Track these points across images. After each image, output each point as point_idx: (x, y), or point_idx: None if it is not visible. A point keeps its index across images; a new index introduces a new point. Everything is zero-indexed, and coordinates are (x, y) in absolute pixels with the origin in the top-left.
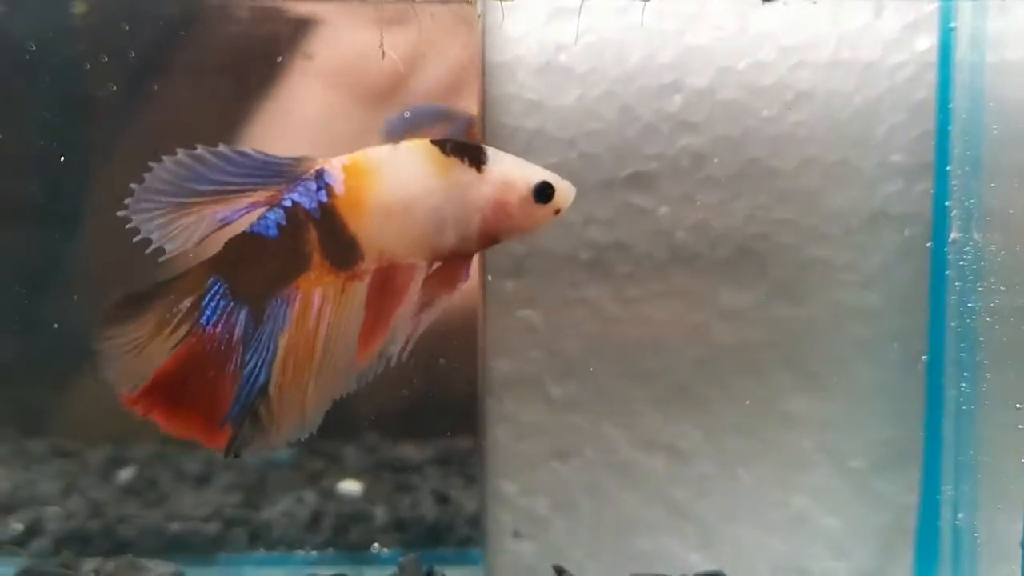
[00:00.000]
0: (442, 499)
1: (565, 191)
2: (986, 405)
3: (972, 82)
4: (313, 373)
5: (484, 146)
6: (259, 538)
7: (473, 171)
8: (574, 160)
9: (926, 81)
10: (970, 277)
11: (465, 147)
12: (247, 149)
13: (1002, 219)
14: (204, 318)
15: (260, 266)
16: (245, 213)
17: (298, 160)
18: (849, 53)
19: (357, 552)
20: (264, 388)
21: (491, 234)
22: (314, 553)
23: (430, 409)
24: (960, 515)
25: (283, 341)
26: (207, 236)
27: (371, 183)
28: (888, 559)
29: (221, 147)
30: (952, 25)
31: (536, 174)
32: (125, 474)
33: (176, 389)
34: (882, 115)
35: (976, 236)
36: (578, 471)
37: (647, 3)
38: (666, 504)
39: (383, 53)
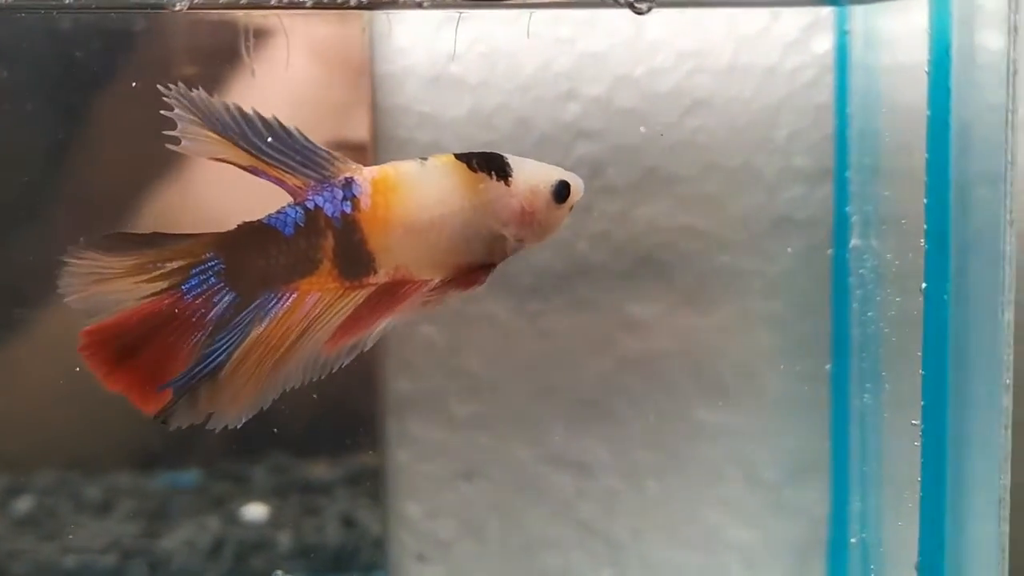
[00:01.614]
0: (348, 523)
1: (578, 185)
2: (886, 417)
3: (868, 86)
4: (272, 366)
5: (505, 155)
6: (158, 569)
7: (501, 184)
8: None
9: (826, 84)
10: (870, 285)
11: (490, 159)
12: (292, 128)
13: (897, 226)
14: (187, 285)
15: (265, 259)
16: (271, 182)
17: (333, 158)
18: (747, 57)
19: None
20: (217, 370)
21: (519, 243)
22: None
23: (333, 430)
24: (864, 530)
25: (257, 332)
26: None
27: (399, 200)
28: (801, 572)
29: (273, 117)
30: (847, 28)
31: (552, 174)
32: (23, 504)
33: (130, 340)
34: (783, 119)
35: (874, 243)
36: (484, 491)
37: (534, 12)
38: (574, 522)
39: (252, 70)
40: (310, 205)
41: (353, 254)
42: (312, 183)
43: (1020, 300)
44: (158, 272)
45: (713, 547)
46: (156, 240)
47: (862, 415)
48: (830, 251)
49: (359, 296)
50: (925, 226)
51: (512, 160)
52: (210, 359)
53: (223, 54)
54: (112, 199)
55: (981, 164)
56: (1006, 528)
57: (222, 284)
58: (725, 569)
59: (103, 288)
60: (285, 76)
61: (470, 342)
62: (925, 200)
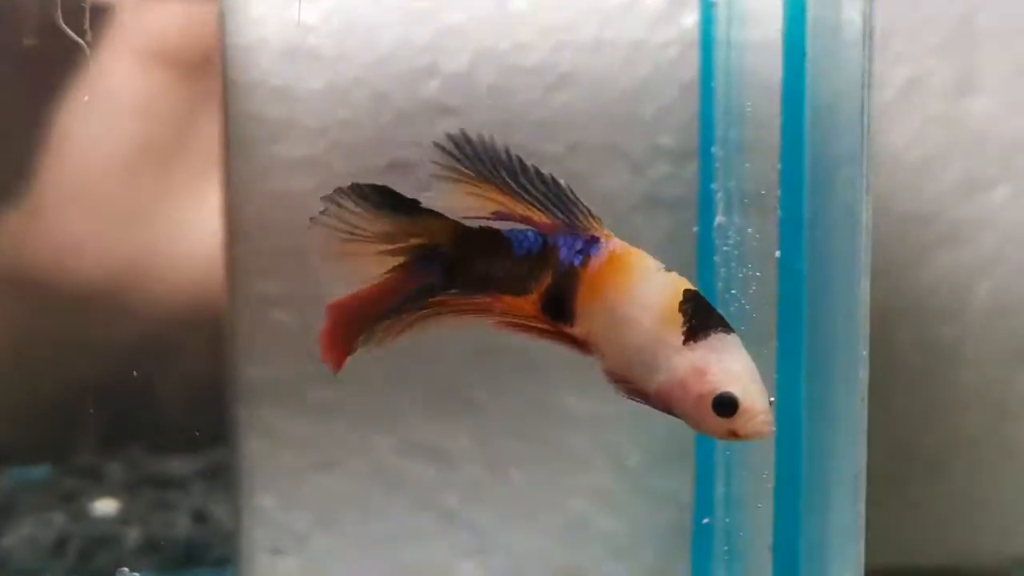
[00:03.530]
0: (199, 517)
1: (752, 413)
2: None
3: (732, 61)
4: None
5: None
6: None
7: (682, 337)
8: (326, 150)
9: (692, 60)
10: (732, 263)
11: (708, 322)
12: (562, 181)
13: (758, 202)
14: (421, 263)
15: (487, 266)
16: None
17: (590, 215)
18: (613, 32)
19: None
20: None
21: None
22: None
23: (185, 422)
24: (728, 514)
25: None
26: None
27: (617, 283)
28: (669, 559)
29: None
30: (713, 1)
31: (730, 383)
32: None
33: (370, 317)
34: (650, 96)
35: (737, 220)
36: (341, 481)
37: None
38: (436, 512)
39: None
40: (550, 240)
41: (560, 300)
42: (561, 226)
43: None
44: (402, 244)
45: (579, 536)
46: (413, 208)
47: None
48: (695, 229)
49: (543, 331)
50: (779, 195)
51: (721, 338)
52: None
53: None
54: None
55: (838, 137)
56: (862, 507)
57: (442, 271)
58: (591, 558)
59: (348, 246)
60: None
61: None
62: (779, 171)
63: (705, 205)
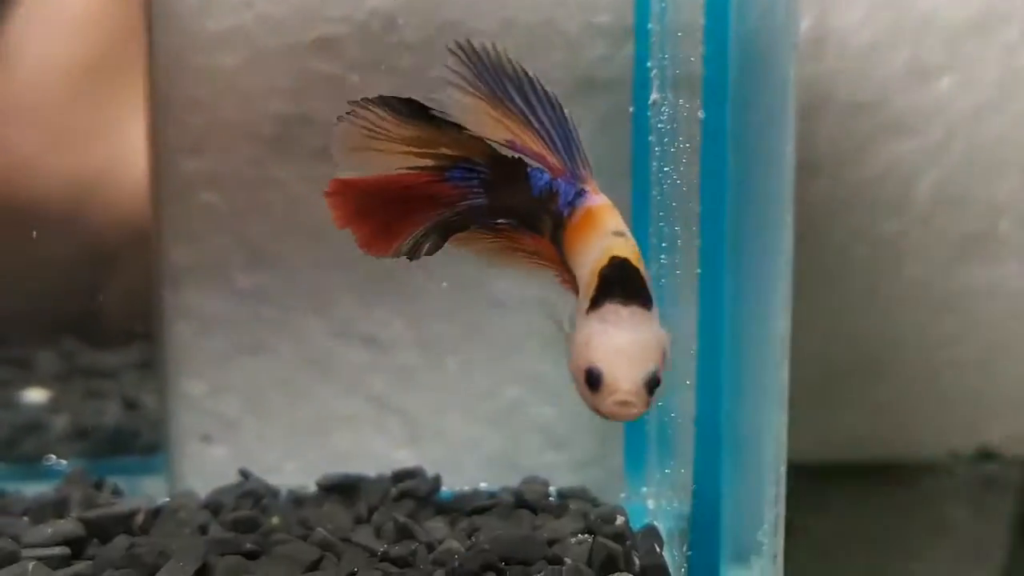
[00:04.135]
0: (129, 405)
1: (610, 391)
2: (679, 276)
3: None
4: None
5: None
6: None
7: (588, 304)
8: (251, 23)
9: None
10: (666, 139)
11: (605, 283)
12: (567, 111)
13: (689, 77)
14: (451, 173)
15: (514, 199)
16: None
17: (587, 163)
18: None
19: (30, 464)
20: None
21: None
22: None
23: (112, 308)
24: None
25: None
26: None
27: (580, 242)
28: (605, 447)
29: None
30: None
31: (602, 358)
32: None
33: (377, 201)
34: None
35: (671, 96)
36: (271, 366)
37: None
38: (367, 398)
39: None
40: (554, 186)
41: (557, 246)
42: (562, 170)
43: None
44: (430, 151)
45: (513, 423)
46: (441, 122)
47: (659, 279)
48: (631, 109)
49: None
50: (703, 48)
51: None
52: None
53: None
54: None
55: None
56: (785, 375)
57: (481, 190)
58: (526, 446)
59: (373, 146)
60: None
61: (254, 208)
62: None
63: (641, 86)
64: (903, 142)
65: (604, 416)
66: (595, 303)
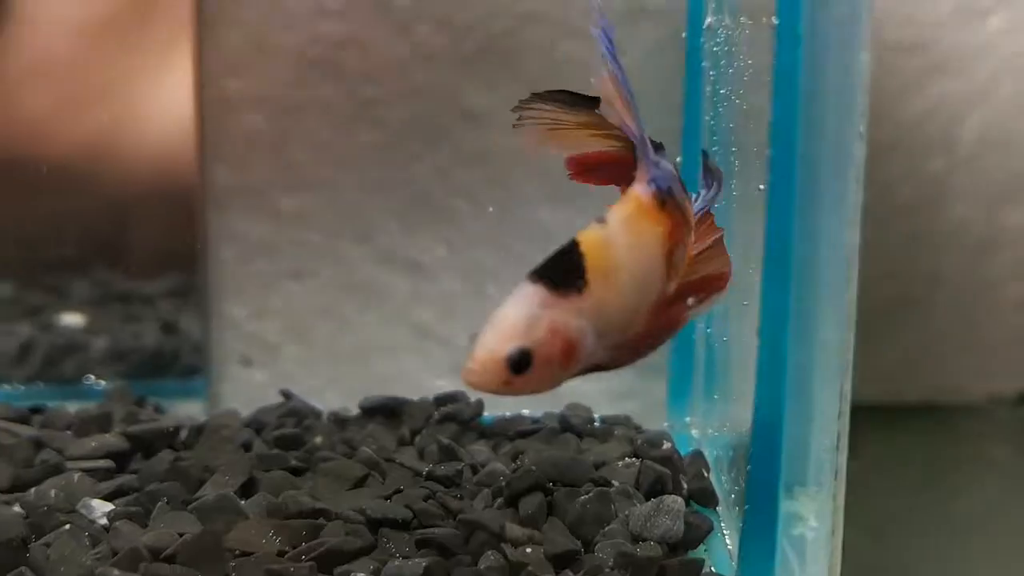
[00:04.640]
0: (168, 328)
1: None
2: (734, 208)
3: None
4: None
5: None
6: None
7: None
8: None
9: None
10: (722, 62)
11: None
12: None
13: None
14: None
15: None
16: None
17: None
18: None
19: (70, 384)
20: None
21: None
22: (21, 387)
23: (154, 231)
24: (708, 325)
25: None
26: None
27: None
28: (645, 378)
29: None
30: None
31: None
32: None
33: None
34: None
35: (727, 19)
36: (313, 292)
37: None
38: (409, 325)
39: None
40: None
41: None
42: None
43: None
44: (607, 132)
45: None
46: (597, 120)
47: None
48: (684, 35)
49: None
50: None
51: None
52: None
53: None
54: None
55: None
56: (855, 283)
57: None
58: None
59: (555, 135)
60: None
61: (298, 131)
62: None
63: (695, 11)
64: (949, 83)
65: None
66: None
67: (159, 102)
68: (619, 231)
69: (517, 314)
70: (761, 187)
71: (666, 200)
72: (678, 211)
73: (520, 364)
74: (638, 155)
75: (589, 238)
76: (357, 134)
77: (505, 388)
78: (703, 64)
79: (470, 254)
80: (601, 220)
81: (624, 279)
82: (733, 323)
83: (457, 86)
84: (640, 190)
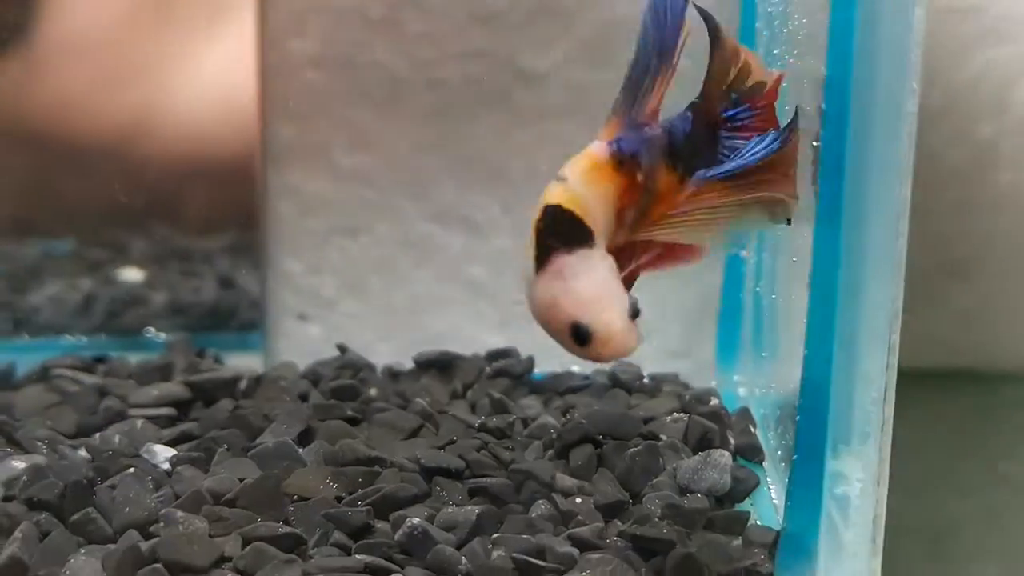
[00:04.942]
0: (225, 283)
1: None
2: None
3: None
4: None
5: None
6: (24, 324)
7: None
8: None
9: None
10: (776, 22)
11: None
12: None
13: None
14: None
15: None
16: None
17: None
18: None
19: (129, 337)
20: None
21: None
22: (84, 338)
23: (211, 185)
24: (758, 284)
25: None
26: None
27: None
28: (693, 336)
29: None
30: None
31: (580, 312)
32: None
33: None
34: None
35: None
36: (368, 248)
37: None
38: (463, 282)
39: None
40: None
41: None
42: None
43: None
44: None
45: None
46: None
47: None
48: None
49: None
50: None
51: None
52: None
53: None
54: None
55: None
56: (905, 238)
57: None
58: None
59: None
60: None
61: (356, 89)
62: None
63: None
64: (1000, 48)
65: (605, 362)
66: (540, 263)
67: (222, 61)
68: (579, 184)
69: (587, 281)
70: (815, 143)
71: (624, 161)
72: (635, 174)
73: (636, 311)
74: (611, 114)
75: (564, 197)
76: (415, 94)
77: (637, 341)
78: (756, 25)
79: (523, 213)
80: (561, 178)
81: (601, 223)
82: (782, 280)
83: (514, 47)
84: (595, 147)
